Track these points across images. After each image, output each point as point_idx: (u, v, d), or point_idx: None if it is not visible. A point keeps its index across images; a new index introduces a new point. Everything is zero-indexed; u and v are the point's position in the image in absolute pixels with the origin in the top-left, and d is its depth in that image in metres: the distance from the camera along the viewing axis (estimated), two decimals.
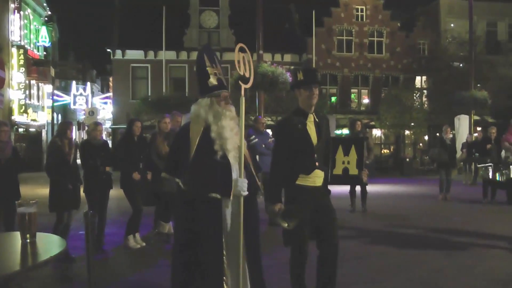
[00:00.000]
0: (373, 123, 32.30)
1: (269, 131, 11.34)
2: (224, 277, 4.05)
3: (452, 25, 36.31)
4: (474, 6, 26.16)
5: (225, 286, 4.05)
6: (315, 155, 4.76)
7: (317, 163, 4.77)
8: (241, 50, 4.34)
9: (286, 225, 4.53)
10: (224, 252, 4.07)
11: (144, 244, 8.36)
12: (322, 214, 4.81)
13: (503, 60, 35.15)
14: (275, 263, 5.85)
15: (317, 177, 4.80)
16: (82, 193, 7.77)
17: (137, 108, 29.21)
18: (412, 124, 31.35)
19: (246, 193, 4.13)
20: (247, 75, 4.38)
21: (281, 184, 4.75)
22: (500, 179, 11.72)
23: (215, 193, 4.08)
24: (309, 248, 4.81)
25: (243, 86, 4.39)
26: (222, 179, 4.10)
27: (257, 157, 7.94)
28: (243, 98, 4.30)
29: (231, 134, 4.22)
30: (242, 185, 4.10)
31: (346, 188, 12.14)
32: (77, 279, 6.53)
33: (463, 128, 24.63)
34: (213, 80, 4.29)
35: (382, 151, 36.18)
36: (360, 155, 5.15)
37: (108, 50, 33.74)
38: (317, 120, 4.86)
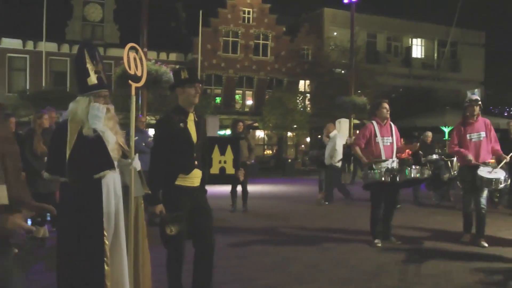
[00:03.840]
0: (256, 124, 32.78)
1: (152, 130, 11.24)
2: (105, 258, 3.95)
3: (335, 33, 37.79)
4: (356, 17, 27.47)
5: (106, 268, 3.95)
6: (195, 155, 4.79)
7: (196, 162, 4.80)
8: (132, 49, 4.28)
9: (170, 231, 4.52)
10: (105, 233, 3.99)
11: (16, 250, 7.95)
12: (199, 214, 4.84)
13: (381, 70, 37.31)
14: (153, 264, 5.80)
15: (195, 177, 4.82)
16: None
17: (14, 103, 27.46)
18: (295, 126, 32.16)
19: (139, 168, 4.16)
20: (138, 74, 4.33)
21: (161, 184, 4.73)
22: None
23: (95, 173, 4.00)
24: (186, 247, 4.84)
25: (134, 85, 4.33)
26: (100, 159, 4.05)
27: (137, 155, 7.82)
28: (134, 97, 4.24)
29: (111, 134, 4.14)
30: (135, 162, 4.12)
31: (227, 188, 12.27)
32: None
33: (343, 131, 25.60)
34: (93, 78, 4.13)
35: (265, 152, 36.80)
36: (236, 154, 5.22)
37: None
38: (196, 119, 4.88)
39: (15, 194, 2.76)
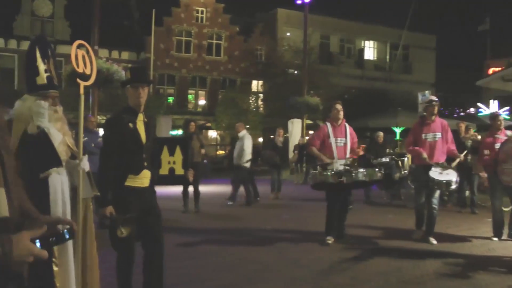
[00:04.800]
0: (209, 124, 32.69)
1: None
2: (54, 259, 3.84)
3: (288, 34, 37.99)
4: (309, 18, 27.64)
5: (55, 268, 3.85)
6: (144, 155, 4.73)
7: (145, 163, 4.74)
8: (80, 46, 4.18)
9: (121, 233, 4.44)
10: None
11: None
12: (148, 215, 4.78)
13: (334, 71, 37.70)
14: (103, 266, 5.70)
15: (145, 178, 4.76)
16: None
17: None
18: (248, 126, 32.10)
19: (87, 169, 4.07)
20: (87, 72, 4.22)
21: (110, 186, 4.63)
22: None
23: (41, 171, 3.87)
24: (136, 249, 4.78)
25: (83, 84, 4.23)
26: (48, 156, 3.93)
27: (86, 156, 7.69)
28: (83, 96, 4.15)
29: (58, 135, 4.02)
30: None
31: (179, 189, 12.17)
32: None
33: (296, 131, 25.77)
34: (43, 78, 3.98)
35: (218, 152, 36.71)
36: (185, 155, 5.18)
37: None
38: (145, 119, 4.82)
39: (17, 201, 2.05)
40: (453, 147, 8.60)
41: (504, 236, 8.71)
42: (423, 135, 8.45)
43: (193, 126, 12.19)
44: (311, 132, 25.46)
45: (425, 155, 8.25)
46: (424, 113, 8.67)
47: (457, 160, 8.42)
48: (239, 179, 13.72)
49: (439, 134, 8.43)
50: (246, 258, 7.37)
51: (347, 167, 7.96)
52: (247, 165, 13.49)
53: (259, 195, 14.09)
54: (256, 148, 14.86)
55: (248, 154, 13.40)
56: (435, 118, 8.53)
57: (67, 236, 2.04)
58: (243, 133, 13.73)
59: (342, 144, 8.27)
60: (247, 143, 13.39)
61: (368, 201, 13.84)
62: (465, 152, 9.16)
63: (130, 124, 4.66)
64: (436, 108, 8.51)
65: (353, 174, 7.84)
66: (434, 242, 8.29)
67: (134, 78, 4.80)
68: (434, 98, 8.74)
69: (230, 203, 13.56)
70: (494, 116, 9.60)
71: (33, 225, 1.94)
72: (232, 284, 6.02)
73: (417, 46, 45.90)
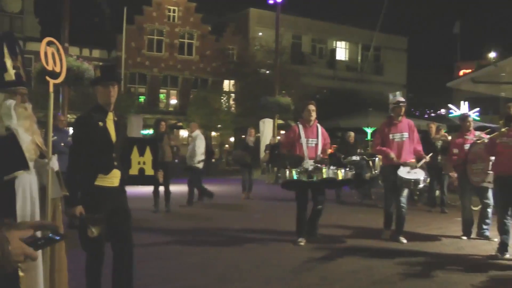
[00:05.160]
0: (181, 124, 32.56)
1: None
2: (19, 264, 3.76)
3: (260, 33, 38.03)
4: (281, 18, 27.74)
5: (20, 274, 3.77)
6: (114, 155, 4.69)
7: (115, 163, 4.69)
8: (50, 43, 4.11)
9: (91, 233, 4.38)
10: None
11: None
12: (118, 215, 4.73)
13: (306, 71, 37.84)
14: (72, 267, 5.63)
15: (115, 177, 4.71)
16: None
17: None
18: (219, 126, 32.21)
19: (56, 168, 3.97)
20: (57, 70, 4.16)
21: (80, 185, 4.58)
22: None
23: (6, 174, 3.78)
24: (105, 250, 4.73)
25: (52, 82, 4.17)
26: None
27: (55, 155, 7.60)
28: (52, 95, 4.09)
29: (26, 134, 3.94)
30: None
31: (150, 188, 12.10)
32: None
33: (267, 131, 25.80)
34: (10, 74, 3.89)
35: None
36: (155, 155, 5.15)
37: None
38: (115, 118, 4.77)
39: None
40: (419, 147, 8.75)
41: (473, 235, 8.85)
42: (390, 135, 8.58)
43: (164, 125, 12.13)
44: (282, 132, 25.53)
45: (392, 154, 8.39)
46: (392, 114, 8.79)
47: (423, 160, 8.56)
48: (193, 179, 13.57)
49: (406, 134, 8.56)
50: (216, 258, 7.36)
51: (317, 165, 8.01)
52: (200, 165, 13.32)
53: (213, 194, 13.94)
54: (208, 148, 14.73)
55: (199, 154, 13.21)
56: (402, 118, 8.68)
57: (57, 238, 1.96)
58: (196, 133, 13.56)
59: (313, 145, 8.31)
60: (199, 144, 13.21)
61: (339, 200, 13.91)
62: (431, 153, 9.31)
63: (100, 123, 4.60)
64: (403, 109, 8.67)
65: (322, 172, 7.89)
66: (404, 241, 8.39)
67: (104, 76, 4.75)
68: (401, 99, 8.89)
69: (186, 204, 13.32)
70: (463, 118, 9.78)
71: (19, 226, 1.86)
72: (202, 284, 6.00)
73: (389, 48, 46.39)
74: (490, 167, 8.04)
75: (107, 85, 4.65)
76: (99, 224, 4.43)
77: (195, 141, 13.23)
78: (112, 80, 4.73)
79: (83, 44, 31.49)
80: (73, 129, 4.98)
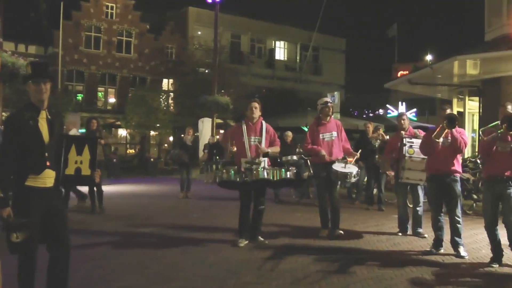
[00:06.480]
0: (119, 122, 32.12)
1: None
2: None
3: (199, 32, 37.85)
4: (220, 17, 27.69)
5: None
6: (46, 154, 4.54)
7: (48, 163, 4.54)
8: None
9: (16, 237, 4.21)
10: None
11: None
12: (52, 216, 4.61)
13: (245, 70, 37.97)
14: (4, 272, 5.41)
15: (48, 178, 4.58)
16: None
17: None
18: (158, 125, 31.92)
19: None
20: None
21: (9, 185, 4.43)
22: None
23: None
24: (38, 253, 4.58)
25: None
26: None
27: None
28: None
29: None
30: None
31: (84, 189, 11.85)
32: None
33: (206, 130, 25.75)
34: None
35: (128, 151, 36.14)
36: (93, 155, 5.04)
37: None
38: (49, 117, 4.64)
39: None
40: (347, 145, 9.17)
41: (409, 232, 9.03)
42: (320, 135, 8.87)
43: (95, 123, 11.91)
44: (221, 131, 25.48)
45: (323, 152, 8.68)
46: (320, 114, 9.00)
47: (355, 157, 8.95)
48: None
49: (335, 133, 8.91)
50: (153, 258, 7.27)
51: (250, 166, 7.96)
52: None
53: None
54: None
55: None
56: (330, 119, 9.02)
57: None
58: None
59: (256, 143, 8.25)
60: None
61: (277, 199, 13.95)
62: (360, 150, 9.71)
63: (31, 122, 4.48)
64: (331, 109, 9.06)
65: (254, 173, 7.86)
66: (341, 232, 8.70)
67: (35, 73, 4.62)
68: (329, 99, 9.44)
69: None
70: (398, 116, 10.07)
71: None
72: (138, 285, 5.92)
73: (327, 48, 47.07)
74: (424, 166, 8.17)
75: (39, 83, 4.54)
76: (24, 229, 4.26)
77: None
78: (43, 77, 4.60)
79: (19, 39, 30.59)
80: (4, 128, 4.82)
